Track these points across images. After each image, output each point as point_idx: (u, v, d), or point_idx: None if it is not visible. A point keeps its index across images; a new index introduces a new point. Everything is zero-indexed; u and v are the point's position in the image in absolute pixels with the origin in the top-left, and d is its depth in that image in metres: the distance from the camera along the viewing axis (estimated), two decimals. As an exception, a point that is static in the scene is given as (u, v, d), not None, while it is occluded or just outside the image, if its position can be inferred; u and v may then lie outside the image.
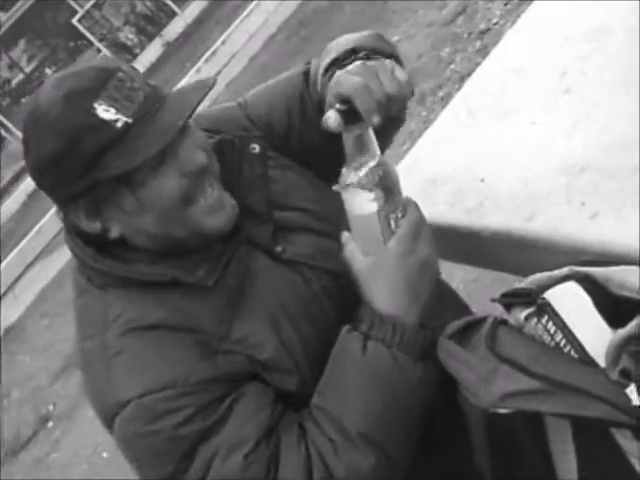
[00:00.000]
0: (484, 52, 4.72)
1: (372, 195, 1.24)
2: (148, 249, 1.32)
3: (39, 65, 16.52)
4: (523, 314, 1.17)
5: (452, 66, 5.08)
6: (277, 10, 10.87)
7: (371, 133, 1.24)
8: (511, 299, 1.21)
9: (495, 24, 5.05)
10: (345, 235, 1.31)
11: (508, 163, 1.56)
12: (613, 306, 1.08)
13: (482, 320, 1.20)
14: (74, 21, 15.89)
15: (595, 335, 1.07)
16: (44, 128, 1.22)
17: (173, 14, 16.43)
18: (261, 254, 1.37)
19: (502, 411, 1.11)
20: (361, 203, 1.25)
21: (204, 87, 1.26)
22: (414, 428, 1.28)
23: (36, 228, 11.19)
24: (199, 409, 1.22)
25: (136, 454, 1.27)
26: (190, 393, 1.22)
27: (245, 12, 11.29)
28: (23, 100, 16.21)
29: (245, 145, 1.41)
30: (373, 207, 1.25)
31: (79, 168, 1.22)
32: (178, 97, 1.28)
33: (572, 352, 1.08)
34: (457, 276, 3.01)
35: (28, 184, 14.94)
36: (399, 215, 1.26)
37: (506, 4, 5.14)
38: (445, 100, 4.42)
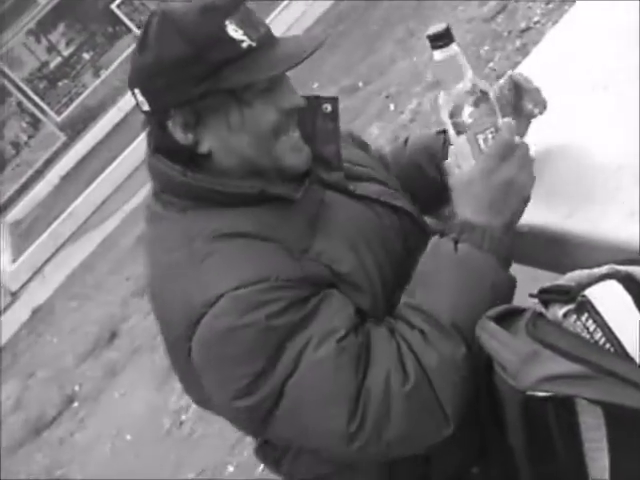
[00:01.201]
0: (524, 51, 4.68)
1: (462, 117, 1.31)
2: (231, 170, 1.38)
3: (77, 49, 16.65)
4: (562, 311, 1.15)
5: (491, 64, 5.04)
6: (315, 3, 10.85)
7: (463, 56, 1.31)
8: (549, 295, 1.20)
9: (536, 23, 5.00)
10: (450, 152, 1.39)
11: (546, 161, 1.55)
12: (654, 306, 1.07)
13: (522, 310, 1.19)
14: (113, 6, 15.96)
15: (636, 335, 1.05)
16: (176, 31, 1.30)
17: (211, 3, 16.48)
18: (333, 193, 1.46)
19: (540, 394, 1.11)
20: (449, 123, 1.33)
21: (318, 38, 1.37)
22: None
23: (68, 211, 11.29)
24: (290, 303, 1.25)
25: (224, 352, 1.26)
26: (282, 287, 1.26)
27: (284, 3, 11.29)
28: (60, 83, 16.33)
29: (319, 104, 1.49)
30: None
31: (200, 74, 1.30)
32: (292, 39, 1.39)
33: (612, 351, 1.07)
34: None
35: (61, 167, 15.08)
36: (489, 136, 1.31)
37: (548, 3, 5.09)
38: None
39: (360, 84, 6.74)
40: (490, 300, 1.27)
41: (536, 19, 5.03)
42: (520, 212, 1.34)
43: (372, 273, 1.38)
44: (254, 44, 1.30)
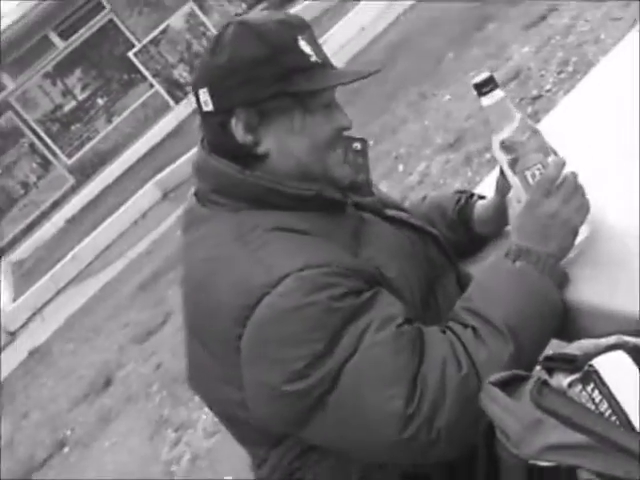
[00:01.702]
0: (535, 118, 4.69)
1: (513, 154, 1.43)
2: (284, 173, 1.44)
3: (92, 94, 16.80)
4: (567, 380, 1.13)
5: (502, 130, 5.06)
6: (333, 57, 10.96)
7: (509, 100, 1.45)
8: (555, 363, 1.17)
9: (548, 91, 5.03)
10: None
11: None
12: (662, 380, 1.05)
13: (526, 377, 1.17)
14: (130, 54, 16.18)
15: (642, 408, 1.03)
16: (254, 34, 1.40)
17: (227, 56, 16.70)
18: (367, 214, 1.55)
19: (543, 464, 1.08)
20: (503, 161, 1.46)
21: (374, 64, 1.56)
22: (543, 344, 1.37)
23: (71, 254, 11.31)
24: (350, 291, 1.29)
25: (285, 331, 1.28)
26: (343, 275, 1.31)
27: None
28: (73, 127, 16.46)
29: (349, 142, 1.57)
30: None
31: (273, 76, 1.39)
32: (346, 66, 1.52)
33: (617, 423, 1.04)
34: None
35: (68, 210, 15.14)
36: (536, 172, 1.42)
37: (560, 73, 5.14)
38: (492, 163, 4.40)
39: (371, 143, 6.76)
40: (543, 315, 1.34)
41: (548, 87, 5.07)
42: (567, 244, 1.41)
43: (412, 283, 1.45)
44: (320, 61, 1.42)
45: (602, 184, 1.55)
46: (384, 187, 5.61)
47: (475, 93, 1.45)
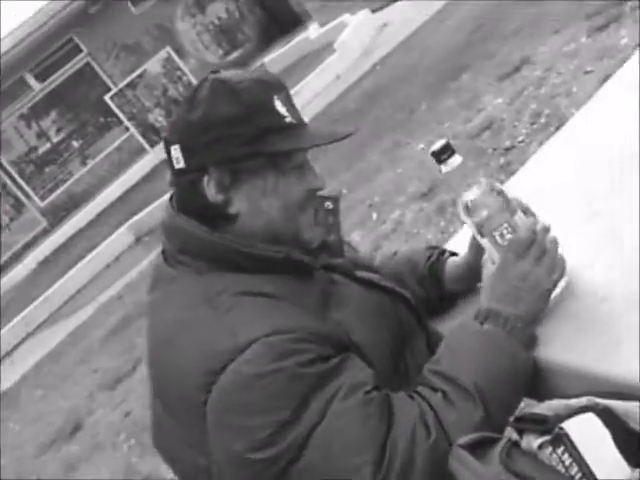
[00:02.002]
0: (507, 169, 4.75)
1: (479, 216, 1.42)
2: (253, 234, 1.43)
3: (66, 137, 16.76)
4: (537, 442, 1.12)
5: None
6: (305, 108, 11.05)
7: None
8: (525, 424, 1.17)
9: (521, 142, 5.08)
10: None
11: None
12: (632, 442, 1.04)
13: (496, 439, 1.16)
14: (106, 97, 16.19)
15: (612, 471, 1.02)
16: (230, 92, 1.40)
17: (203, 101, 16.77)
18: (337, 275, 1.54)
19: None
20: (471, 225, 1.46)
21: (348, 127, 1.55)
22: (513, 405, 1.34)
23: (42, 297, 11.19)
24: (319, 357, 1.27)
25: (250, 398, 1.25)
26: (312, 341, 1.28)
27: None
28: (47, 169, 16.40)
29: (321, 201, 1.54)
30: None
31: (247, 136, 1.39)
32: (321, 125, 1.50)
33: (587, 488, 1.03)
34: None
35: (40, 252, 15.02)
36: (504, 232, 1.42)
37: (533, 124, 5.19)
38: (465, 213, 4.42)
39: (344, 191, 6.80)
40: (511, 376, 1.32)
41: (521, 138, 5.12)
42: (537, 308, 1.41)
43: (381, 346, 1.43)
44: (294, 121, 1.42)
45: (578, 238, 1.56)
46: (357, 236, 5.63)
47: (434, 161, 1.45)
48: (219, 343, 1.28)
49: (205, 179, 1.40)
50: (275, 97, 1.41)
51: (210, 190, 1.40)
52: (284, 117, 1.41)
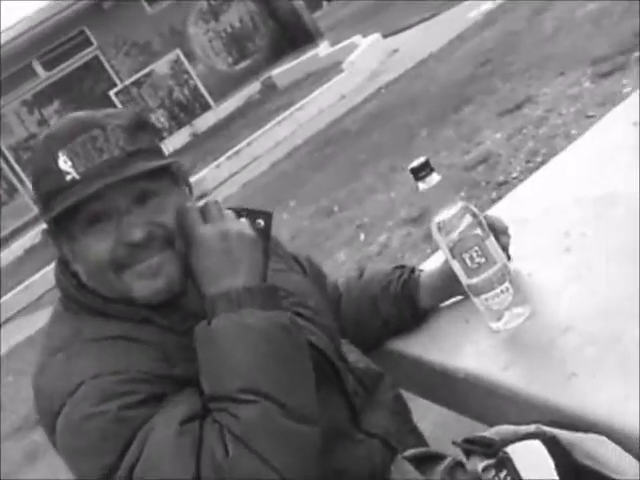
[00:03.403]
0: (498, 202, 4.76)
1: (448, 238, 1.45)
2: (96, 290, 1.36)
3: (67, 128, 16.79)
4: (482, 464, 1.13)
5: (465, 210, 5.11)
6: (308, 124, 11.10)
7: (446, 184, 1.47)
8: (472, 446, 1.17)
9: (514, 178, 5.10)
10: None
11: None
12: (574, 473, 1.05)
13: (442, 457, 1.16)
14: (111, 93, 16.22)
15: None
16: (29, 159, 1.32)
17: (207, 107, 16.79)
18: None
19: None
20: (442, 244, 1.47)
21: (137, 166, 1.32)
22: (306, 372, 1.27)
23: (25, 284, 11.16)
24: (148, 398, 1.22)
25: (78, 443, 1.23)
26: (143, 381, 1.24)
27: (277, 119, 11.53)
28: (43, 158, 16.40)
29: (252, 219, 1.40)
30: None
31: (38, 201, 1.35)
32: (141, 166, 1.31)
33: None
34: (428, 418, 2.95)
35: (28, 239, 14.97)
36: (473, 254, 1.44)
37: (528, 162, 5.22)
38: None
39: (335, 208, 6.81)
40: (268, 348, 1.23)
41: (514, 175, 5.14)
42: (254, 255, 1.31)
43: None
44: (77, 177, 1.28)
45: (549, 269, 1.58)
46: (343, 255, 5.63)
47: (412, 177, 1.46)
48: (58, 387, 1.27)
49: (47, 234, 1.39)
50: (60, 153, 1.30)
51: (54, 245, 1.40)
52: (65, 174, 1.29)
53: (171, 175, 1.39)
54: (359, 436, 1.45)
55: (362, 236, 5.89)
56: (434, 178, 1.46)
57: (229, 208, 1.41)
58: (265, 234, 1.39)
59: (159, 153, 1.39)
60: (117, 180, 1.27)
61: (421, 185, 1.46)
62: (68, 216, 1.29)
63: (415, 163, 1.46)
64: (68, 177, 1.28)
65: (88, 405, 1.22)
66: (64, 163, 1.29)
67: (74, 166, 1.28)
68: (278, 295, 1.31)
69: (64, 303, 1.41)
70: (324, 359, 1.46)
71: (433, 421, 3.02)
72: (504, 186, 5.11)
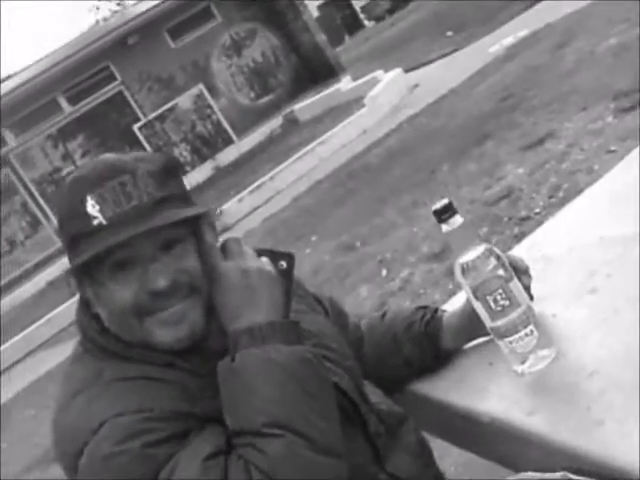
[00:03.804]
0: (520, 238, 4.70)
1: (471, 280, 1.45)
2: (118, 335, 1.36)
3: (91, 161, 16.93)
4: (506, 512, 1.10)
5: (487, 246, 5.09)
6: (330, 158, 11.13)
7: (470, 225, 1.48)
8: (497, 493, 1.15)
9: (537, 214, 5.08)
10: None
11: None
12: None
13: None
14: (135, 127, 16.38)
15: None
16: (55, 202, 1.39)
17: (229, 141, 16.89)
18: None
19: None
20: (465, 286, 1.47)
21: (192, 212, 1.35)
22: (325, 402, 1.27)
23: (46, 317, 11.20)
24: (171, 436, 1.22)
25: None
26: (166, 419, 1.24)
27: (298, 154, 11.58)
28: (67, 191, 16.51)
29: (274, 260, 1.41)
30: None
31: (64, 245, 1.35)
32: (171, 215, 1.31)
33: None
34: (450, 457, 2.92)
35: (50, 272, 15.05)
36: (497, 297, 1.42)
37: (550, 197, 5.19)
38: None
39: (357, 244, 6.80)
40: (292, 382, 1.24)
41: (537, 210, 5.12)
42: (274, 293, 1.33)
43: None
44: (105, 222, 1.29)
45: (575, 311, 1.56)
46: (364, 291, 5.61)
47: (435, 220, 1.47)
48: (79, 427, 1.26)
49: (70, 275, 1.38)
50: (89, 196, 1.29)
51: (76, 287, 1.38)
52: (92, 219, 1.29)
53: (195, 223, 1.38)
54: (382, 477, 1.45)
55: (384, 272, 5.88)
56: (457, 220, 1.46)
57: (255, 249, 1.42)
58: (288, 275, 1.41)
59: (187, 199, 1.39)
60: (146, 229, 1.27)
61: (444, 227, 1.46)
62: (93, 260, 1.28)
63: (438, 205, 1.46)
64: (95, 222, 1.29)
65: (111, 444, 1.21)
66: (92, 207, 1.29)
67: (102, 211, 1.28)
68: (300, 329, 1.32)
69: (84, 345, 1.41)
70: (347, 400, 1.46)
71: (454, 462, 2.99)
72: (526, 222, 5.09)
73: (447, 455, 2.78)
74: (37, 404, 8.17)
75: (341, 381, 1.46)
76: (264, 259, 1.37)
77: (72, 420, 1.30)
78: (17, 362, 10.74)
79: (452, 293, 4.77)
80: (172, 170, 1.38)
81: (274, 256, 1.42)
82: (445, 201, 1.46)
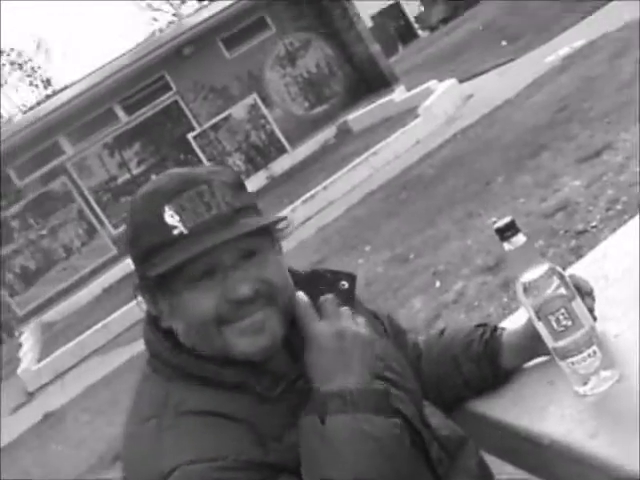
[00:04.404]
0: (577, 252, 4.68)
1: (533, 299, 1.43)
2: (194, 349, 1.35)
3: (146, 170, 17.05)
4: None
5: (543, 260, 5.03)
6: (383, 168, 11.12)
7: (532, 244, 1.48)
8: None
9: (593, 227, 5.01)
10: None
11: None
12: None
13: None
14: (189, 136, 16.54)
15: None
16: (129, 214, 1.36)
17: (283, 151, 16.96)
18: None
19: None
20: (527, 306, 1.45)
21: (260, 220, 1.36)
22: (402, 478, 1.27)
23: (101, 323, 11.34)
24: None
25: None
26: (239, 469, 1.21)
27: (352, 164, 11.58)
28: (123, 199, 16.70)
29: (336, 279, 1.42)
30: None
31: (138, 258, 1.35)
32: (253, 223, 1.33)
33: None
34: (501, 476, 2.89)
35: (106, 279, 15.28)
36: (560, 317, 1.41)
37: (608, 210, 5.12)
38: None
39: (411, 255, 6.78)
40: (380, 452, 1.24)
41: (594, 223, 5.05)
42: (368, 359, 1.33)
43: None
44: (185, 232, 1.29)
45: (637, 331, 1.52)
46: (418, 302, 5.59)
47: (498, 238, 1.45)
48: (148, 466, 1.24)
49: (140, 292, 1.38)
50: (167, 207, 1.29)
51: (147, 303, 1.38)
52: (172, 229, 1.29)
53: (270, 233, 1.40)
54: None
55: (438, 283, 5.85)
56: (520, 239, 1.44)
57: (314, 270, 1.42)
58: (349, 296, 1.40)
59: (259, 210, 1.41)
60: (231, 237, 1.28)
61: (506, 245, 1.45)
62: (172, 271, 1.28)
63: (500, 223, 1.45)
64: (175, 231, 1.29)
65: None
66: (171, 217, 1.29)
67: (182, 221, 1.29)
68: (390, 397, 1.31)
69: (153, 364, 1.40)
70: (410, 428, 1.44)
71: None
72: (583, 235, 5.03)
73: (499, 474, 2.75)
74: (92, 410, 8.28)
75: (406, 408, 1.45)
76: (360, 320, 1.37)
77: (141, 455, 1.28)
78: (72, 367, 10.88)
79: (506, 307, 4.75)
80: (242, 182, 1.40)
81: (336, 276, 1.42)
82: (508, 219, 1.45)
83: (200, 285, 1.30)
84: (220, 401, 1.30)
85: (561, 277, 1.43)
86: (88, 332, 11.40)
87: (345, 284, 1.41)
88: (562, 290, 1.41)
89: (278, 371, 1.36)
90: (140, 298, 1.38)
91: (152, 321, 1.40)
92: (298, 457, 1.26)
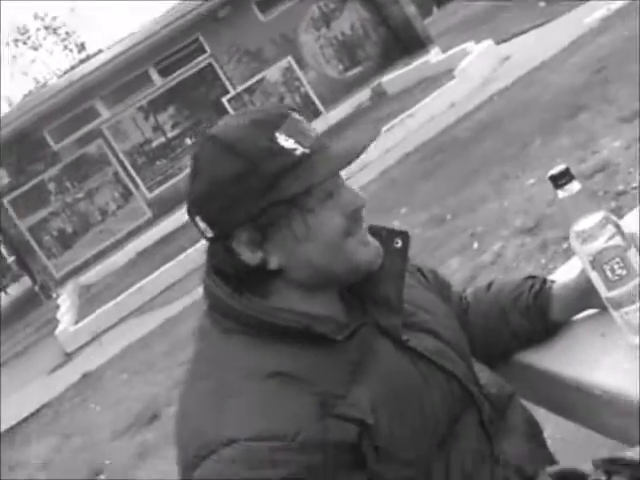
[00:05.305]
0: (617, 213, 4.59)
1: (592, 247, 1.41)
2: (304, 284, 1.36)
3: (180, 133, 17.09)
4: (625, 484, 1.09)
5: (582, 221, 4.98)
6: (419, 130, 11.04)
7: (586, 193, 1.45)
8: (614, 467, 1.13)
9: (634, 188, 4.95)
10: None
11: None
12: None
13: (583, 476, 1.13)
14: (224, 100, 16.51)
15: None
16: (227, 149, 1.30)
17: (317, 113, 16.88)
18: (385, 339, 1.39)
19: None
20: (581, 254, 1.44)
21: (372, 134, 1.39)
22: None
23: (137, 285, 11.45)
24: (300, 470, 1.19)
25: None
26: (296, 450, 1.20)
27: (387, 126, 11.51)
28: (158, 162, 16.77)
29: (390, 237, 1.44)
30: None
31: (258, 189, 1.29)
32: (344, 141, 1.39)
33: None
34: (546, 431, 2.88)
35: (141, 242, 15.40)
36: (615, 266, 1.39)
37: (648, 171, 5.06)
38: (568, 253, 4.33)
39: (448, 216, 6.75)
40: None
41: (634, 185, 4.99)
42: None
43: (414, 428, 1.32)
44: (307, 151, 1.31)
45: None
46: (455, 263, 5.57)
47: (552, 185, 1.43)
48: (208, 431, 1.24)
49: (235, 243, 1.32)
50: (277, 133, 1.30)
51: (244, 252, 1.32)
52: (292, 151, 1.30)
53: None
54: (494, 465, 1.42)
55: (475, 244, 5.82)
56: (574, 186, 1.42)
57: (370, 226, 1.43)
58: (403, 254, 1.43)
59: None
60: (371, 142, 1.33)
61: (560, 193, 1.43)
62: (307, 191, 1.30)
63: (554, 171, 1.43)
64: (297, 152, 1.30)
65: (241, 468, 1.19)
66: (286, 141, 1.30)
67: (298, 142, 1.30)
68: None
69: (212, 316, 1.38)
70: (463, 388, 1.43)
71: (551, 435, 2.95)
72: (623, 196, 4.97)
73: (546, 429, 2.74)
74: (129, 369, 8.38)
75: (455, 367, 1.44)
76: None
77: (198, 414, 1.28)
78: (108, 329, 11.00)
79: (545, 268, 4.72)
80: None
81: (390, 234, 1.44)
82: (562, 166, 1.43)
83: (328, 201, 1.33)
84: (282, 358, 1.29)
85: (616, 225, 1.40)
86: (124, 294, 11.51)
87: (399, 242, 1.43)
88: (617, 239, 1.39)
89: (341, 321, 1.37)
90: (237, 245, 1.33)
91: (214, 269, 1.38)
92: (355, 425, 1.25)
